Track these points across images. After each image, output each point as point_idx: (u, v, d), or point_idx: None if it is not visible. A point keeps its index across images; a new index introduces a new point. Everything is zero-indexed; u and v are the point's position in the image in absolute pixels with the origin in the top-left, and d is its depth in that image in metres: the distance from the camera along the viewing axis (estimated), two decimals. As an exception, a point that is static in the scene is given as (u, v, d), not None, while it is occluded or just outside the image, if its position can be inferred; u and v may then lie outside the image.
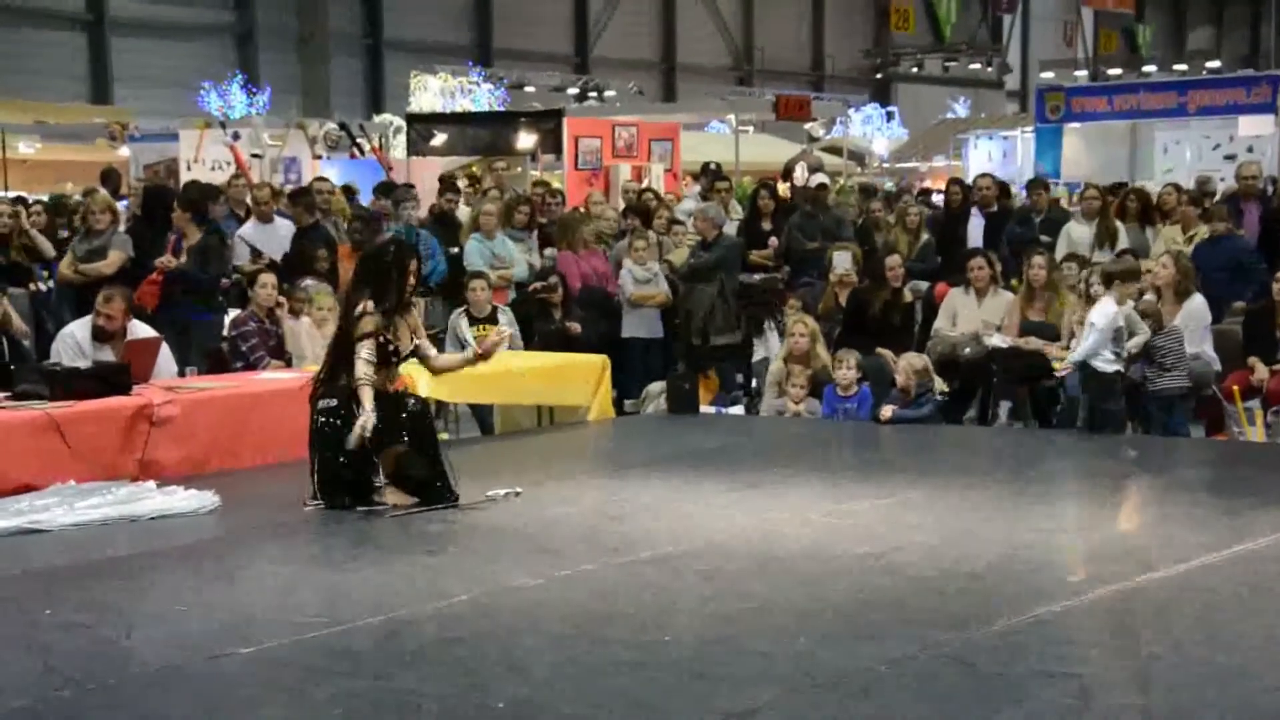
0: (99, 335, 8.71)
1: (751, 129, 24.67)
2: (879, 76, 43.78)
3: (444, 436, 9.39)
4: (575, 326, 11.22)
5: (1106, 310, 9.23)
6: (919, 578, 5.66)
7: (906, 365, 9.65)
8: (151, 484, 7.30)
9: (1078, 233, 12.06)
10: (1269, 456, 8.97)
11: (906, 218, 12.58)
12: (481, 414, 10.13)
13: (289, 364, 9.60)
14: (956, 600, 5.34)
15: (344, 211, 12.85)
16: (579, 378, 9.90)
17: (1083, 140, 17.45)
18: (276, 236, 11.71)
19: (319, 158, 19.70)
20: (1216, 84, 17.94)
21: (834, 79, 42.55)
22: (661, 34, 39.73)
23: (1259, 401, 9.83)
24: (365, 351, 7.11)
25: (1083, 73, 41.17)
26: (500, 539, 6.44)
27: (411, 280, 7.33)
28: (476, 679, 4.48)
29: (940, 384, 9.87)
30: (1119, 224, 12.06)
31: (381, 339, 7.16)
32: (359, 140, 20.49)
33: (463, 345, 10.61)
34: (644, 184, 16.48)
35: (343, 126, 20.97)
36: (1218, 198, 12.72)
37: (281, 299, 9.86)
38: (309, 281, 10.35)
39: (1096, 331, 9.18)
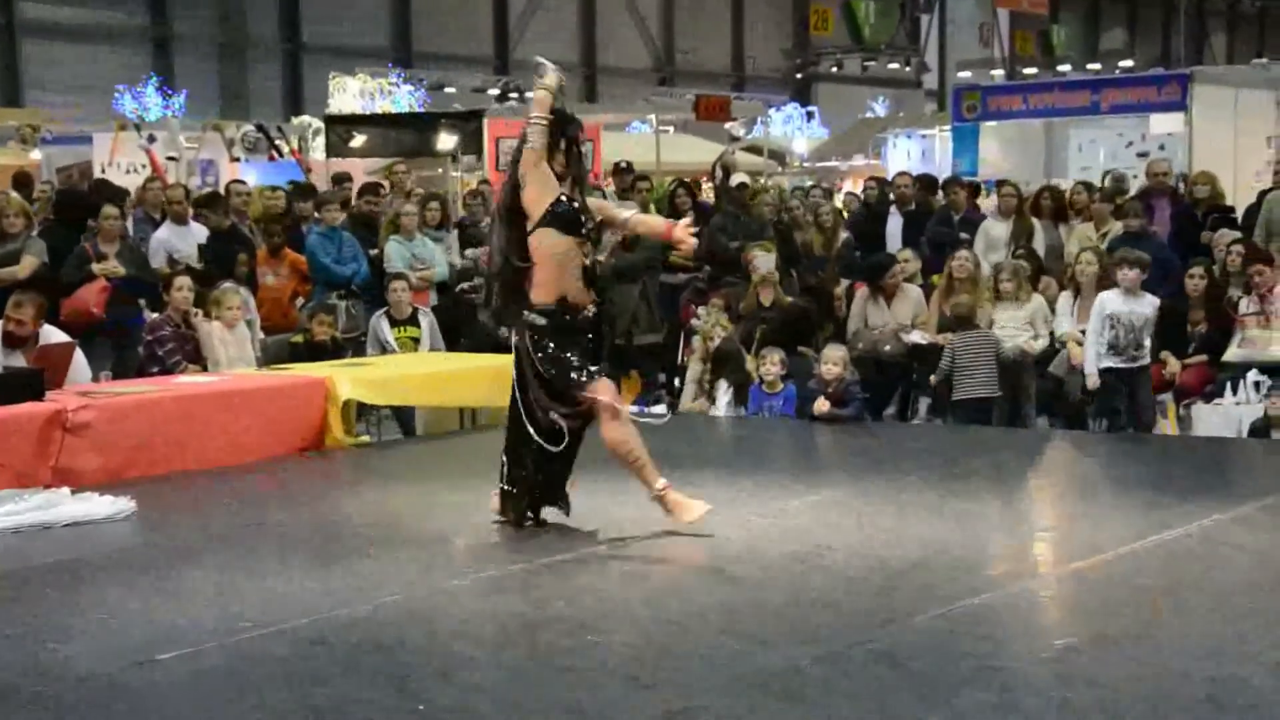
0: (10, 341, 8.57)
1: (673, 129, 24.72)
2: (799, 77, 44.00)
3: (366, 439, 9.35)
4: (503, 330, 11.18)
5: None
6: (847, 576, 5.69)
7: (832, 355, 9.70)
8: (66, 490, 7.17)
9: (995, 230, 12.19)
10: (1183, 449, 9.12)
11: (820, 216, 12.65)
12: (403, 416, 10.06)
13: (205, 368, 9.51)
14: (884, 597, 5.37)
15: (261, 214, 12.72)
16: (502, 379, 9.81)
17: (999, 139, 17.64)
18: (192, 240, 11.58)
19: (236, 160, 19.48)
20: (1128, 83, 18.17)
21: (755, 79, 42.68)
22: (582, 36, 39.66)
23: (1170, 395, 10.01)
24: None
25: (999, 72, 41.60)
26: (429, 543, 6.40)
27: (578, 150, 6.36)
28: (406, 684, 4.43)
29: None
30: (1035, 221, 12.21)
31: (563, 198, 6.21)
32: (277, 142, 20.29)
33: (384, 348, 10.57)
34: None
35: (260, 128, 20.76)
36: (1130, 195, 12.87)
37: (194, 309, 9.79)
38: (226, 284, 10.26)
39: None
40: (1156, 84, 16.50)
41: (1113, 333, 9.44)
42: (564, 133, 6.30)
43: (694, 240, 6.87)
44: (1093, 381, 9.55)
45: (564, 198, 6.24)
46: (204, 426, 8.24)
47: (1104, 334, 9.45)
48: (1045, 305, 10.31)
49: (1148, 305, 9.50)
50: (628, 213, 7.00)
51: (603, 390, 6.27)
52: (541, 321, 6.23)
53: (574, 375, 6.25)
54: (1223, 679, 4.36)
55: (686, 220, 6.88)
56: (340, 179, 15.45)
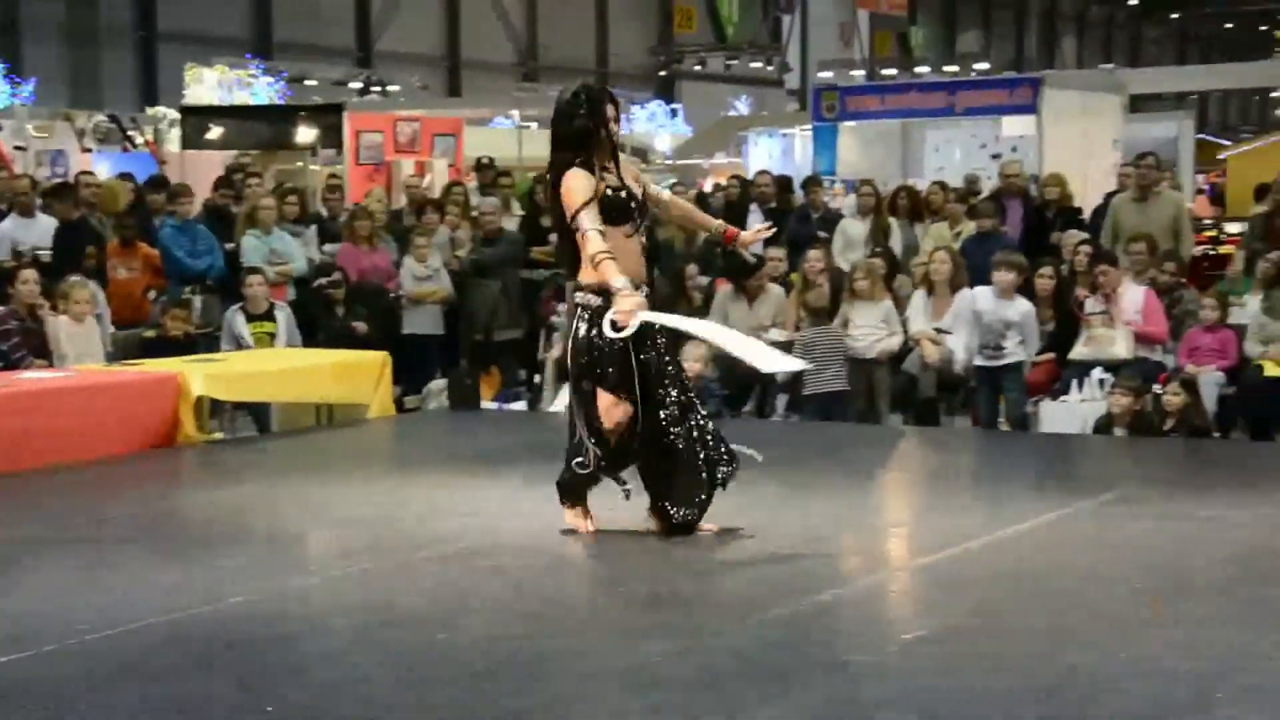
0: None
1: (536, 125, 24.67)
2: (663, 74, 44.21)
3: (218, 436, 9.20)
4: (361, 326, 11.10)
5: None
6: (701, 571, 5.74)
7: (693, 353, 9.75)
8: (-96, 491, 6.96)
9: (853, 229, 12.38)
10: (1029, 445, 9.34)
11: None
12: (258, 411, 9.91)
13: (51, 363, 9.30)
14: (737, 592, 5.43)
15: (112, 206, 12.44)
16: (359, 375, 9.78)
17: (858, 139, 17.86)
18: (39, 232, 11.29)
19: (88, 151, 19.06)
20: (982, 85, 18.55)
21: (619, 76, 42.72)
22: (446, 29, 39.38)
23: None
24: (588, 220, 5.80)
25: (860, 72, 42.15)
26: (281, 539, 6.33)
27: (614, 126, 5.99)
28: (256, 684, 4.38)
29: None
30: (892, 220, 12.43)
31: (609, 192, 5.93)
32: (131, 133, 19.89)
33: (239, 343, 10.40)
34: (426, 179, 16.34)
35: (113, 119, 20.34)
36: (983, 195, 13.15)
37: (41, 299, 9.55)
38: (75, 278, 10.02)
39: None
40: (1009, 87, 16.83)
41: (977, 331, 9.76)
42: (591, 117, 5.94)
43: (764, 236, 6.71)
44: (958, 367, 9.92)
45: (609, 190, 5.95)
46: (50, 423, 8.05)
47: (975, 330, 9.76)
48: (893, 305, 10.49)
49: (1014, 309, 9.76)
50: (667, 195, 6.60)
51: (623, 410, 6.03)
52: (597, 301, 5.95)
53: (607, 376, 6.00)
54: (1068, 669, 4.46)
55: (761, 226, 6.70)
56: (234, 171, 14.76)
